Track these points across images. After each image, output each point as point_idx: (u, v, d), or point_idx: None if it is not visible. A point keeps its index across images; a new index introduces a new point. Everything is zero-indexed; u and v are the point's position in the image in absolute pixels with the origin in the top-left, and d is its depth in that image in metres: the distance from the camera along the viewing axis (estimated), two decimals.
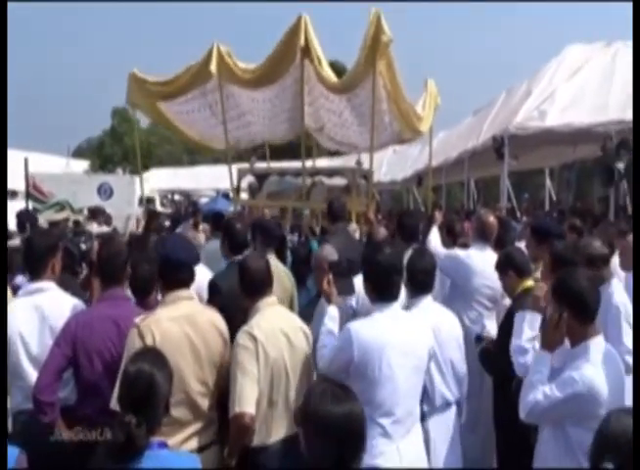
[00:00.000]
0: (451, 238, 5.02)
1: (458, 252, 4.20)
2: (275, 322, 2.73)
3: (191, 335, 2.54)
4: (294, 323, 2.84)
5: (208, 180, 21.94)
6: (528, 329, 2.88)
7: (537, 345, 2.70)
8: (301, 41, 5.61)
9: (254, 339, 2.62)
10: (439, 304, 3.43)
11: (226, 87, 7.02)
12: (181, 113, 7.88)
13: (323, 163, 19.35)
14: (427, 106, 7.51)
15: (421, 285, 3.19)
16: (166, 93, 7.28)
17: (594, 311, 2.38)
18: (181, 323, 2.54)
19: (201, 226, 6.94)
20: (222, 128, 7.33)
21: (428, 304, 3.22)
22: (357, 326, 2.54)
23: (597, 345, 2.37)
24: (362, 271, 2.65)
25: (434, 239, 4.58)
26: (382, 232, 3.97)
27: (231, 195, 8.52)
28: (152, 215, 7.16)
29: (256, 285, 2.76)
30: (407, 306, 3.13)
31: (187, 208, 17.10)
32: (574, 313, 2.35)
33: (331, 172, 7.55)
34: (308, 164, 11.05)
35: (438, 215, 5.08)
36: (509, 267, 3.33)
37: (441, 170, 13.86)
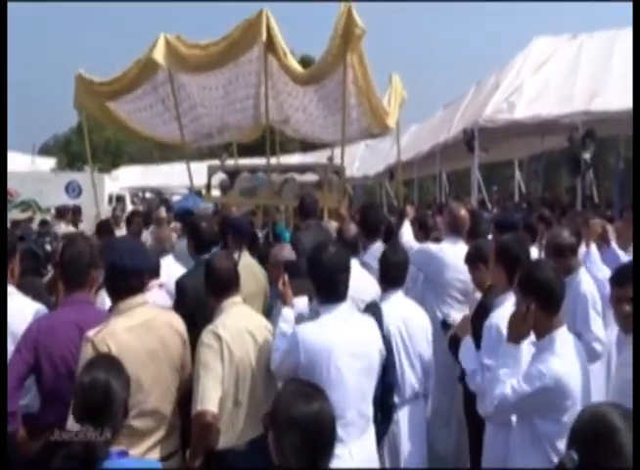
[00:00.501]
0: (424, 232, 5.05)
1: (430, 246, 4.23)
2: (240, 322, 2.73)
3: (149, 342, 2.51)
4: (260, 323, 2.84)
5: (180, 177, 21.66)
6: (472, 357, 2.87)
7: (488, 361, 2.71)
8: (263, 37, 5.48)
9: (219, 338, 2.60)
10: (411, 298, 3.47)
11: (177, 78, 6.82)
12: (133, 111, 7.64)
13: (295, 159, 19.47)
14: (392, 101, 7.50)
15: (393, 280, 3.29)
16: (115, 91, 7.02)
17: (560, 302, 2.40)
18: (138, 332, 2.49)
19: (172, 224, 6.88)
20: (177, 124, 7.22)
21: (398, 298, 3.29)
22: (303, 329, 2.54)
23: (562, 336, 2.39)
24: (307, 272, 2.65)
25: (407, 233, 4.61)
26: (352, 229, 3.96)
27: (203, 192, 8.39)
28: (134, 214, 7.02)
29: (222, 285, 2.76)
30: (380, 300, 3.17)
31: (158, 205, 16.91)
32: (542, 305, 2.36)
33: (302, 169, 7.45)
34: (280, 160, 11.04)
35: (410, 210, 5.13)
36: (479, 261, 3.35)
37: (413, 164, 13.93)
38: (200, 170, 8.94)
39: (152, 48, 6.24)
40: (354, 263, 3.59)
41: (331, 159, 8.16)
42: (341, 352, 2.50)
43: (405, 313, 3.24)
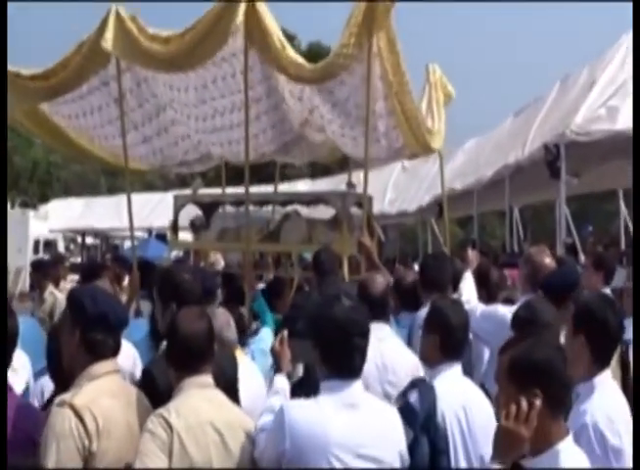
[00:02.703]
0: (485, 291, 5.13)
1: (500, 309, 4.33)
2: (204, 412, 2.83)
3: (131, 419, 2.89)
4: (234, 417, 2.94)
5: (137, 215, 22.04)
6: None
7: None
8: (239, 19, 5.37)
9: (170, 427, 2.73)
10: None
11: (134, 70, 6.73)
12: (75, 116, 7.41)
13: (301, 187, 19.71)
14: (435, 105, 7.34)
15: (452, 349, 3.42)
16: (51, 88, 6.63)
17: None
18: (121, 402, 2.88)
19: (126, 280, 6.98)
20: (138, 135, 7.21)
21: (456, 376, 3.40)
22: (293, 411, 2.70)
23: (567, 451, 2.28)
24: (311, 333, 2.86)
25: (468, 289, 4.85)
26: (379, 282, 4.13)
27: (168, 235, 8.46)
28: (55, 261, 7.09)
29: (187, 355, 2.93)
30: (430, 377, 3.39)
31: (104, 254, 17.11)
32: (550, 401, 2.25)
33: (311, 199, 7.55)
34: (279, 188, 11.07)
35: (472, 256, 5.17)
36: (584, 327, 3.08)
37: (471, 195, 14.00)
38: (163, 205, 8.98)
39: (99, 28, 6.07)
40: (382, 329, 3.89)
41: (352, 185, 8.14)
42: (340, 449, 2.63)
43: (466, 399, 3.32)
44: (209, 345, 2.99)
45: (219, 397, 2.98)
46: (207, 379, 2.95)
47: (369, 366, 3.13)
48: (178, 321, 3.02)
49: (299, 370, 3.43)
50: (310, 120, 7.37)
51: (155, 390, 3.18)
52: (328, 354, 2.79)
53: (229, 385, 3.14)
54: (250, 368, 3.82)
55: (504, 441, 2.21)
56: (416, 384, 3.36)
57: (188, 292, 3.74)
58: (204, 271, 5.75)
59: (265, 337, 5.19)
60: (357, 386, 2.79)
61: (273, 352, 3.20)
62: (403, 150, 7.36)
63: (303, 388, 3.14)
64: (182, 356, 2.94)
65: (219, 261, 8.76)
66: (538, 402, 2.20)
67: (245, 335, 4.96)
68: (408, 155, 8.09)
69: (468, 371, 3.87)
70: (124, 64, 6.52)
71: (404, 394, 3.34)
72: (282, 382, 3.06)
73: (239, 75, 6.34)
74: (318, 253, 5.41)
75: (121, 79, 6.51)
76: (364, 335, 2.81)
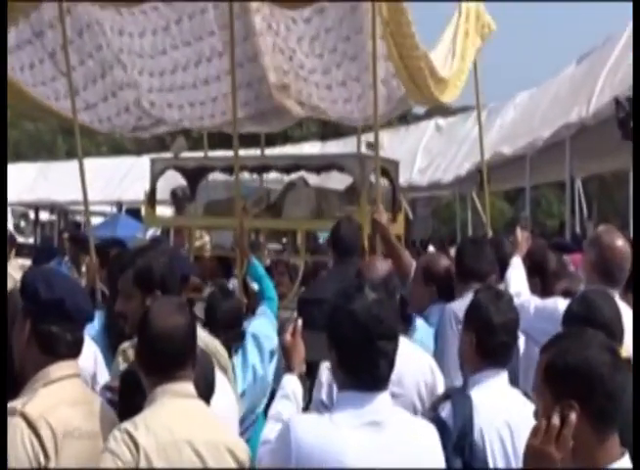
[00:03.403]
0: (540, 281, 5.19)
1: (559, 303, 4.33)
2: (181, 428, 2.84)
3: (94, 432, 2.92)
4: (219, 436, 2.94)
5: (104, 185, 21.99)
6: None
7: None
8: None
9: (135, 446, 2.73)
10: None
11: (75, 13, 6.64)
12: (11, 69, 7.26)
13: (308, 150, 19.64)
14: (461, 40, 7.21)
15: (496, 351, 3.48)
16: None
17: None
18: (83, 412, 2.91)
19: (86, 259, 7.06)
20: (79, 101, 7.05)
21: (501, 385, 3.46)
22: (301, 427, 2.74)
23: None
24: (326, 331, 2.87)
25: (517, 279, 4.89)
26: (379, 267, 4.27)
27: (143, 210, 8.48)
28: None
29: (161, 357, 2.94)
30: (468, 386, 3.44)
31: (62, 233, 17.08)
32: (593, 416, 2.20)
33: (321, 164, 7.57)
34: (281, 151, 11.01)
35: (523, 238, 5.25)
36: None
37: (523, 163, 13.97)
38: (136, 172, 9.00)
39: None
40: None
41: (373, 146, 8.11)
42: None
43: (512, 414, 3.33)
44: (190, 344, 3.01)
45: (202, 409, 2.99)
46: (187, 387, 2.96)
47: None
48: (151, 315, 3.02)
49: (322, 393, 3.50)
50: (289, 86, 7.48)
51: (136, 401, 3.17)
52: (346, 359, 2.81)
53: (207, 395, 3.16)
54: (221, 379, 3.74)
55: (531, 462, 2.21)
56: (450, 394, 3.38)
57: (163, 278, 3.76)
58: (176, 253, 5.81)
59: (263, 318, 5.28)
60: (382, 399, 2.80)
61: (283, 346, 3.23)
62: (406, 99, 7.49)
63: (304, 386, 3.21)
64: (155, 359, 2.95)
65: (205, 240, 8.79)
66: (573, 417, 2.16)
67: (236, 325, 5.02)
68: (409, 106, 8.12)
69: (515, 380, 3.91)
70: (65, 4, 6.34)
71: (434, 406, 3.38)
72: (293, 384, 3.09)
73: (211, 12, 6.30)
74: (338, 225, 5.47)
75: (60, 25, 6.29)
76: (391, 336, 2.84)
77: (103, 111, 8.14)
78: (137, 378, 3.07)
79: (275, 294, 5.65)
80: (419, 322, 4.66)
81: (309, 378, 3.41)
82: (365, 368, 2.78)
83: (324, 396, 3.61)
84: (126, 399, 3.18)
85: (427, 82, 6.68)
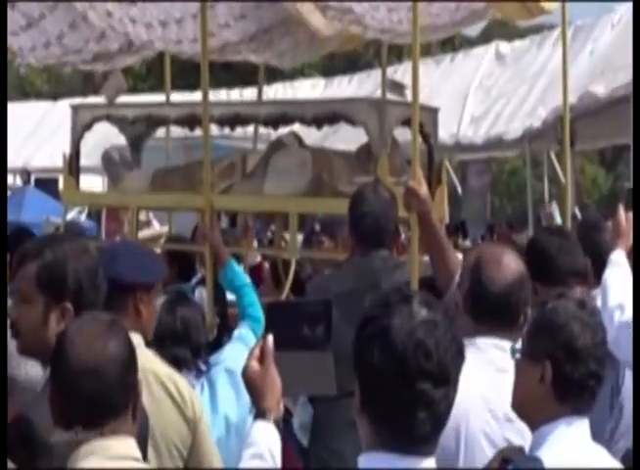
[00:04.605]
0: None
1: None
2: None
3: None
4: None
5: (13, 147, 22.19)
6: None
7: None
8: None
9: None
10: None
11: None
12: None
13: (306, 92, 19.56)
14: None
15: (579, 390, 3.50)
16: None
17: None
18: None
19: None
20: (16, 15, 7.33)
21: (579, 438, 3.47)
22: None
23: None
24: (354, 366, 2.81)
25: (620, 281, 4.92)
26: (509, 264, 4.29)
27: (61, 182, 8.52)
28: None
29: (86, 401, 2.98)
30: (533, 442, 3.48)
31: None
32: None
33: (322, 113, 7.55)
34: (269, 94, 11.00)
35: (627, 219, 5.32)
36: None
37: (625, 108, 13.95)
38: (50, 124, 9.01)
39: None
40: (503, 349, 4.13)
41: (398, 85, 8.06)
42: None
43: None
44: (127, 382, 3.03)
45: None
46: (125, 445, 2.99)
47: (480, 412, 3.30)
48: (69, 341, 3.04)
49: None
50: None
51: (34, 451, 3.25)
52: (371, 402, 2.74)
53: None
54: None
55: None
56: (511, 458, 3.38)
57: (80, 285, 3.79)
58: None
59: (240, 345, 5.40)
60: (427, 465, 2.76)
61: (247, 379, 3.18)
62: (481, 11, 7.53)
63: None
64: (76, 405, 2.98)
65: (155, 228, 8.80)
66: None
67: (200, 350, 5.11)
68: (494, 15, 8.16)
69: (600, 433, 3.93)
70: None
71: None
72: (267, 436, 3.10)
73: None
74: (361, 196, 5.62)
75: None
76: (441, 379, 2.73)
77: (50, 28, 8.31)
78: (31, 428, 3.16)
79: (261, 312, 5.69)
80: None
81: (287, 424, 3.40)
82: (398, 420, 2.71)
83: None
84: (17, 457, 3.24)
85: None
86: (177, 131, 8.05)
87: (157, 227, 8.61)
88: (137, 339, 3.88)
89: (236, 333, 5.56)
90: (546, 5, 7.31)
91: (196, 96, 7.59)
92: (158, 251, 7.86)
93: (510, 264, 4.28)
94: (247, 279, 5.94)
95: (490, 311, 4.19)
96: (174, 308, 5.11)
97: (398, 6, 7.37)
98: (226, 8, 7.55)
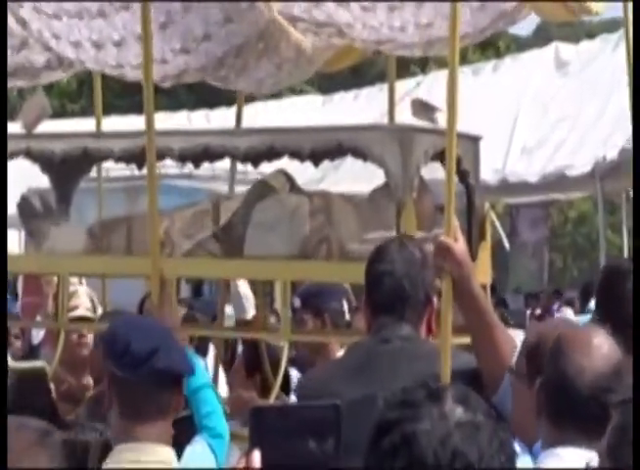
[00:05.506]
0: None
1: None
2: None
3: None
4: None
5: None
6: None
7: None
8: None
9: None
10: None
11: None
12: None
13: (298, 112, 19.74)
14: None
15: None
16: None
17: None
18: None
19: None
20: None
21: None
22: None
23: None
24: None
25: None
26: (604, 350, 4.47)
27: None
28: None
29: None
30: None
31: None
32: None
33: (324, 146, 7.52)
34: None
35: None
36: None
37: None
38: None
39: None
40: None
41: (429, 108, 8.09)
42: None
43: None
44: None
45: None
46: None
47: None
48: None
49: None
50: None
51: None
52: None
53: None
54: None
55: None
56: None
57: None
58: None
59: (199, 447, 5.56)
60: None
61: None
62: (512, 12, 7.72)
63: None
64: None
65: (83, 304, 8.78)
66: None
67: None
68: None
69: None
70: None
71: None
72: None
73: None
74: (382, 253, 5.73)
75: None
76: None
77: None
78: None
79: (224, 424, 5.83)
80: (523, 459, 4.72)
81: None
82: None
83: None
84: None
85: None
86: (118, 169, 8.05)
87: (83, 300, 8.60)
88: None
89: (188, 451, 5.56)
90: (593, 5, 7.39)
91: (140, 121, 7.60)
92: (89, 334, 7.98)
93: (602, 348, 4.43)
94: (205, 377, 6.04)
95: (578, 413, 4.30)
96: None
97: (400, 6, 7.53)
98: (183, 28, 7.68)
